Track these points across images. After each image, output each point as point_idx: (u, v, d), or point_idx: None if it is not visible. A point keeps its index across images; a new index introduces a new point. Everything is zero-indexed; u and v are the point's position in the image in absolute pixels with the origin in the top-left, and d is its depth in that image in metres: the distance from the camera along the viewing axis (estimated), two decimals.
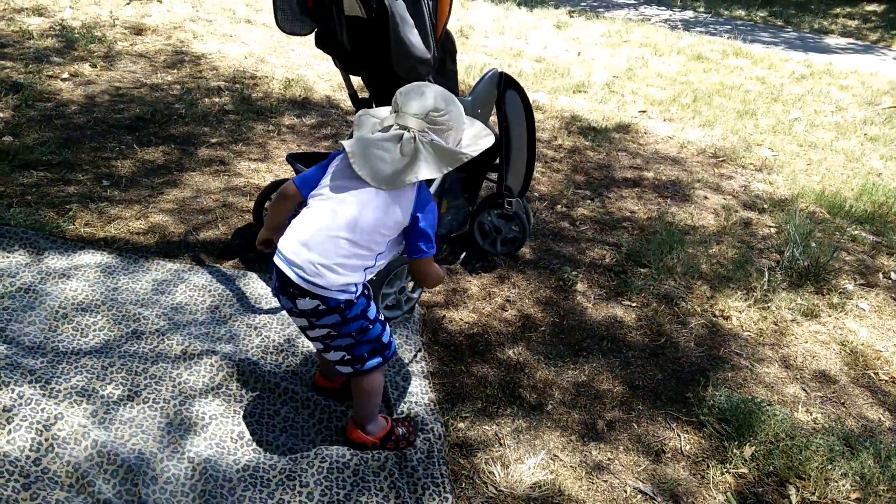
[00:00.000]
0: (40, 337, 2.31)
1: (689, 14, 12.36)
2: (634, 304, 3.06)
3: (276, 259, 1.82)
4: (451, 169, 1.86)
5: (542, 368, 2.60)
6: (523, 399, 2.43)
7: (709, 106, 6.16)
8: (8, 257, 2.68)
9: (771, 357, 2.83)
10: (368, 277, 1.88)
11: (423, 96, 1.82)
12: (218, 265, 2.93)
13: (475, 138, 1.93)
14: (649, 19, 11.00)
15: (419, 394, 2.35)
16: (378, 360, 1.96)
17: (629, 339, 2.84)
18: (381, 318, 1.98)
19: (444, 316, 2.82)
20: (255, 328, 2.55)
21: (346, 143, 1.82)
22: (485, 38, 7.93)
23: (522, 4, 10.45)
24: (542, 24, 9.06)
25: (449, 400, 2.38)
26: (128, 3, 6.80)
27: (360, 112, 1.94)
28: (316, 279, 1.75)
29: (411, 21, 2.31)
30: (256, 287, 2.80)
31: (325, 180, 1.88)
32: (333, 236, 1.77)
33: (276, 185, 3.10)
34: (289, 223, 1.88)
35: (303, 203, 1.92)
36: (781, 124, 5.88)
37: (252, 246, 3.06)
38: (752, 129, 5.70)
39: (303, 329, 1.92)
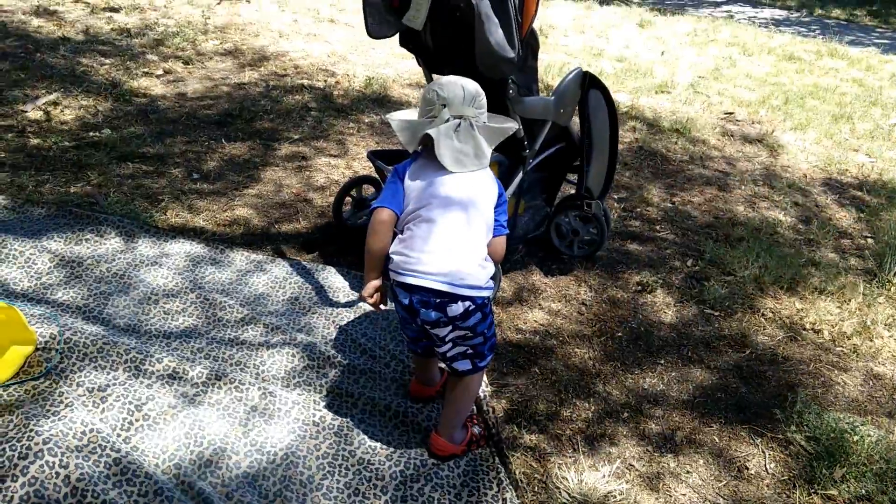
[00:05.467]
0: (133, 320, 2.43)
1: (779, 12, 11.84)
2: (718, 313, 2.95)
3: (409, 280, 1.83)
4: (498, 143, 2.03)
5: (618, 374, 2.54)
6: (599, 405, 2.38)
7: (801, 108, 5.88)
8: (105, 244, 2.83)
9: (865, 374, 2.68)
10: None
11: (464, 86, 1.93)
12: (298, 258, 3.00)
13: (491, 118, 2.09)
14: (733, 17, 10.60)
15: (488, 395, 2.34)
16: (491, 356, 2.03)
17: (711, 348, 2.74)
18: None
19: (519, 317, 2.80)
20: (333, 321, 2.59)
21: (432, 131, 1.90)
22: (564, 36, 7.83)
23: (604, 3, 10.26)
24: (624, 23, 8.86)
25: (523, 402, 2.35)
26: (218, 3, 7.06)
27: (391, 116, 2.03)
28: (470, 280, 1.83)
29: (496, 19, 2.29)
30: (335, 281, 2.85)
31: (418, 191, 1.91)
32: (471, 234, 1.88)
33: (356, 182, 3.15)
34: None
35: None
36: (880, 129, 5.55)
37: (331, 240, 3.14)
38: (848, 134, 5.40)
39: (434, 338, 1.92)
